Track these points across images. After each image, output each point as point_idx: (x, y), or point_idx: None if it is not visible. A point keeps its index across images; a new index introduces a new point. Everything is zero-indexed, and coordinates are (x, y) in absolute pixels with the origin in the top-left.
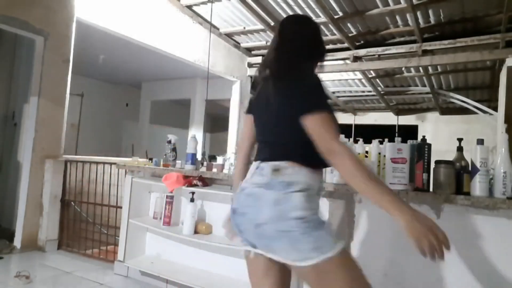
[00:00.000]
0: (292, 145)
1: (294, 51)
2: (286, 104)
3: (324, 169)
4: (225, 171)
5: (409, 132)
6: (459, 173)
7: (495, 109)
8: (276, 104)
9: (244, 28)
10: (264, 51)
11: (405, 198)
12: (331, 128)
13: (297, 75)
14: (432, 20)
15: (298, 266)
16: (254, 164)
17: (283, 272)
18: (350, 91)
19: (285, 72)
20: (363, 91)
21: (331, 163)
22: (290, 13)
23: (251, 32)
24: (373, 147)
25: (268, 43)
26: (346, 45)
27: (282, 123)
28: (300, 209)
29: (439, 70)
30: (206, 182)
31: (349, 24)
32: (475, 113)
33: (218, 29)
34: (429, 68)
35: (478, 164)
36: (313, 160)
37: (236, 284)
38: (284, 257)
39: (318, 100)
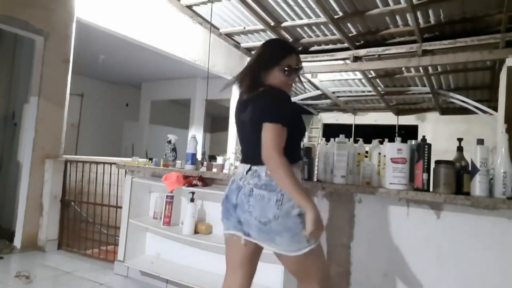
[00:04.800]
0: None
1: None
2: (259, 116)
3: None
4: (225, 171)
5: (409, 132)
6: (459, 173)
7: (495, 109)
8: (254, 118)
9: (244, 28)
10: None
11: (405, 198)
12: (276, 138)
13: (264, 91)
14: (432, 20)
15: (293, 256)
16: (245, 166)
17: (258, 255)
18: (350, 91)
19: (257, 91)
20: (363, 91)
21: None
22: (290, 13)
23: (251, 32)
24: (373, 147)
25: None
26: (346, 45)
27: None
28: (297, 207)
29: (439, 70)
30: (206, 182)
31: (349, 24)
32: (475, 113)
33: (218, 29)
34: (429, 68)
35: (478, 164)
36: (294, 161)
37: None
38: (284, 249)
39: (274, 111)
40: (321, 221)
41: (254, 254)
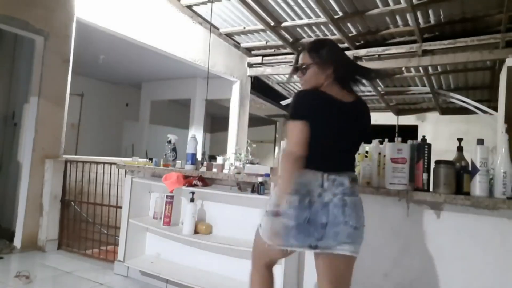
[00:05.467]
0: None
1: None
2: (364, 129)
3: None
4: (225, 171)
5: (407, 132)
6: (459, 173)
7: (495, 109)
8: (363, 124)
9: (244, 28)
10: (264, 51)
11: (405, 198)
12: None
13: (366, 105)
14: (432, 20)
15: (356, 257)
16: (317, 176)
17: None
18: None
19: (362, 101)
20: (363, 91)
21: None
22: (290, 13)
23: (251, 32)
24: (373, 147)
25: (268, 43)
26: (346, 45)
27: (359, 141)
28: None
29: (439, 70)
30: (206, 182)
31: (349, 24)
32: (475, 113)
33: (218, 29)
34: (429, 68)
35: (478, 164)
36: None
37: (236, 284)
38: (357, 248)
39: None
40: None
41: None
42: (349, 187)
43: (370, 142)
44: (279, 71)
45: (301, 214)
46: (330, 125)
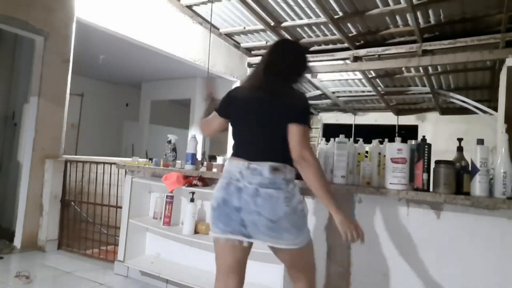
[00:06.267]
0: (284, 149)
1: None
2: (281, 114)
3: None
4: None
5: (407, 132)
6: (459, 173)
7: (495, 109)
8: (271, 113)
9: (244, 28)
10: (264, 51)
11: (405, 198)
12: (308, 139)
13: (289, 92)
14: (432, 20)
15: (297, 248)
16: (240, 164)
17: (247, 257)
18: (350, 91)
19: (280, 89)
20: (363, 91)
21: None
22: (290, 13)
23: (251, 32)
24: (373, 147)
25: (268, 43)
26: (346, 45)
27: (277, 130)
28: (301, 202)
29: (439, 70)
30: (206, 182)
31: (349, 24)
32: (475, 113)
33: (218, 29)
34: (429, 68)
35: (478, 164)
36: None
37: None
38: (290, 243)
39: (306, 114)
40: (350, 220)
41: (246, 256)
42: (268, 179)
43: (301, 122)
44: None
45: (219, 194)
46: (239, 117)
